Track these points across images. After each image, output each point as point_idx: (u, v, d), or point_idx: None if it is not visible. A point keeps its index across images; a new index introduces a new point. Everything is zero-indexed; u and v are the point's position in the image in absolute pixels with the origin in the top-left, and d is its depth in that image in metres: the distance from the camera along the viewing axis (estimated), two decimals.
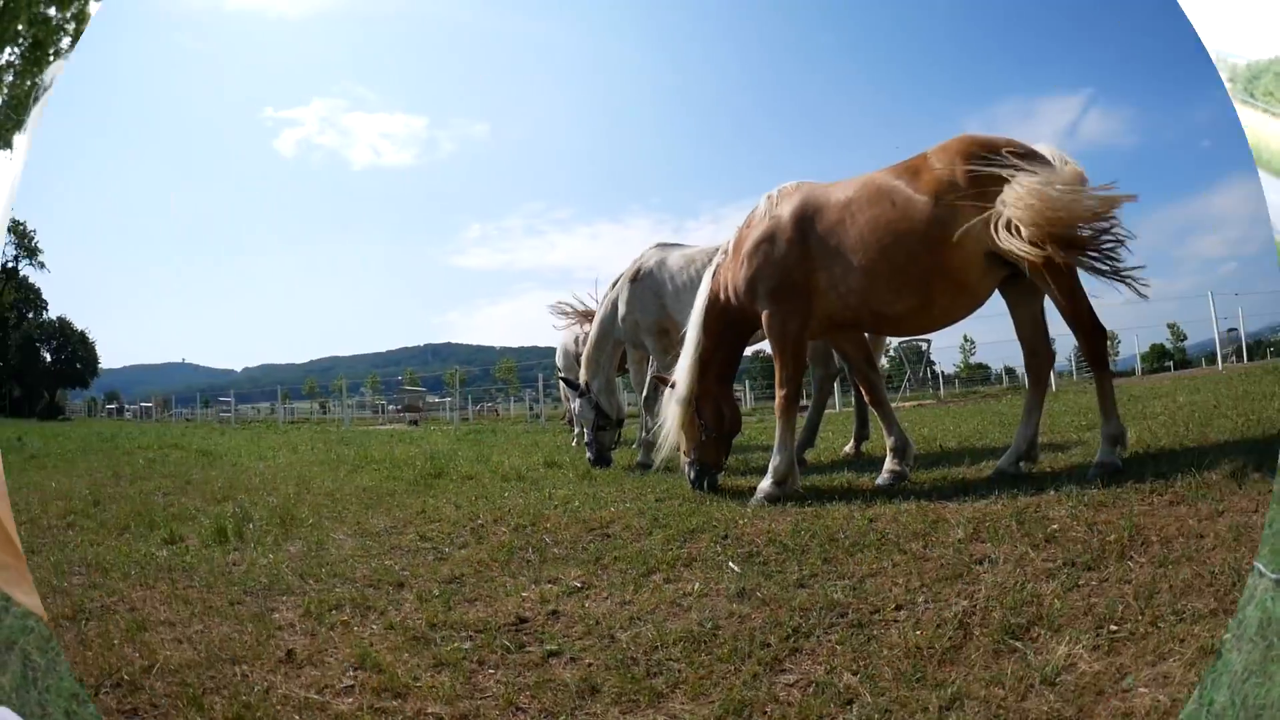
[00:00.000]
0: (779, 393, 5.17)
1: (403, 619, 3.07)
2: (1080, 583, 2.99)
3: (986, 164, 4.53)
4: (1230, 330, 30.06)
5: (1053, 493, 4.08)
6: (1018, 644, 2.56)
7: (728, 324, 5.33)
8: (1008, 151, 4.60)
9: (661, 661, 2.59)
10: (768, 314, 5.11)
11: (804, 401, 6.63)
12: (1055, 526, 3.60)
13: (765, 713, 2.30)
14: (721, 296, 5.30)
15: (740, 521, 4.21)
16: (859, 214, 4.89)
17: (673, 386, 5.42)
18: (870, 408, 6.01)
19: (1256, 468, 4.32)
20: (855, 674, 2.45)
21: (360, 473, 7.38)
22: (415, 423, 26.21)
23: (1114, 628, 2.62)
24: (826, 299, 4.99)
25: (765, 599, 3.03)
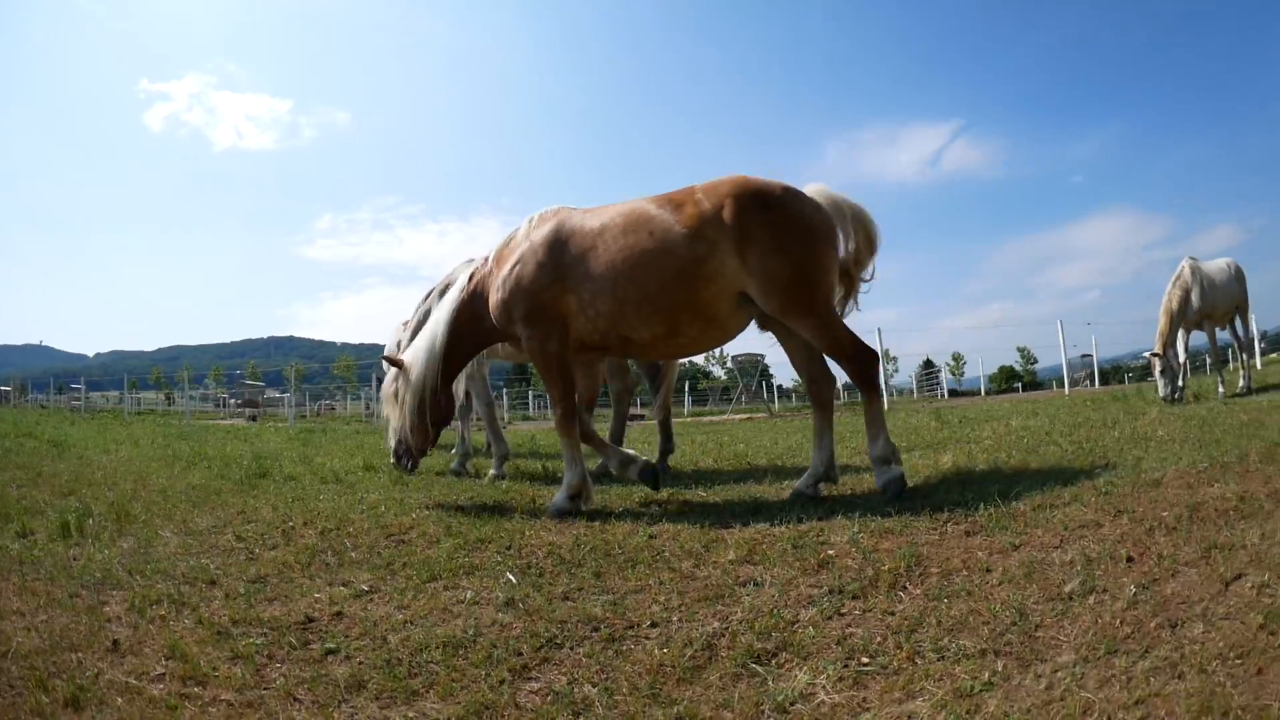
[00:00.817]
0: (555, 411, 5.28)
1: (211, 614, 3.14)
2: (842, 611, 2.95)
3: (757, 209, 4.70)
4: (1084, 355, 29.97)
5: (839, 517, 4.13)
6: (759, 669, 2.50)
7: (472, 330, 5.46)
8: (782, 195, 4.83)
9: (422, 663, 2.60)
10: (525, 337, 5.22)
11: (644, 410, 6.79)
12: (831, 552, 3.61)
13: (504, 715, 2.27)
14: (473, 304, 5.44)
15: (527, 533, 4.32)
16: (614, 240, 4.95)
17: (400, 368, 5.70)
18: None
19: (1072, 499, 4.45)
20: (595, 686, 2.40)
21: (192, 470, 7.62)
22: (254, 419, 25.99)
23: (865, 660, 2.56)
24: (578, 321, 5.07)
25: (529, 609, 3.01)
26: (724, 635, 2.76)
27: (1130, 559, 3.46)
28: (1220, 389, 11.76)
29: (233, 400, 37.86)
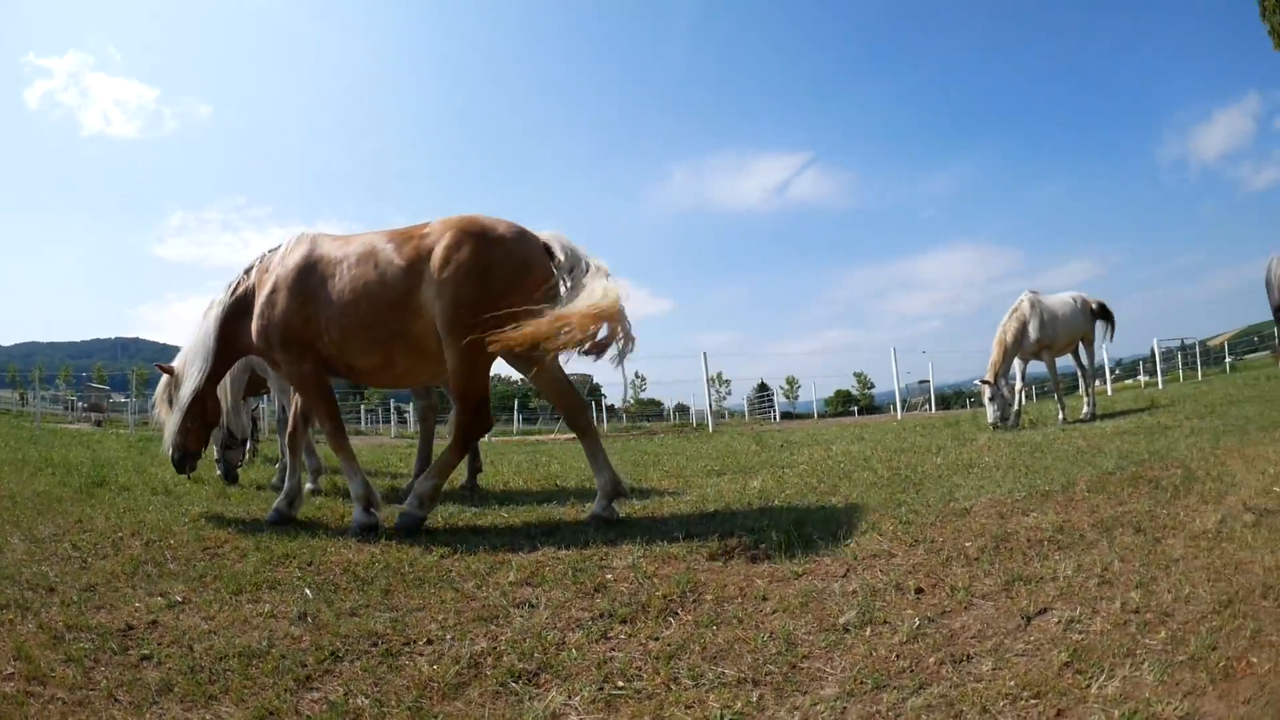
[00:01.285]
0: (324, 429, 5.45)
1: (49, 619, 3.26)
2: (608, 635, 3.02)
3: (460, 247, 4.81)
4: (921, 381, 29.93)
5: (625, 543, 4.24)
6: (518, 688, 2.57)
7: (235, 339, 5.52)
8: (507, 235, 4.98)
9: (221, 671, 2.70)
10: (283, 362, 5.31)
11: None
12: (610, 576, 3.71)
13: None
14: (235, 311, 5.50)
15: (329, 550, 4.38)
16: (348, 271, 5.09)
17: (172, 375, 5.97)
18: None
19: (869, 528, 4.57)
20: (368, 698, 2.48)
21: (39, 476, 7.73)
22: (99, 423, 25.88)
23: (620, 684, 2.61)
24: (319, 346, 5.17)
25: (319, 623, 3.10)
26: (490, 654, 2.82)
27: (920, 590, 3.50)
28: (1060, 415, 12.05)
29: (80, 403, 37.63)
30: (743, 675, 2.68)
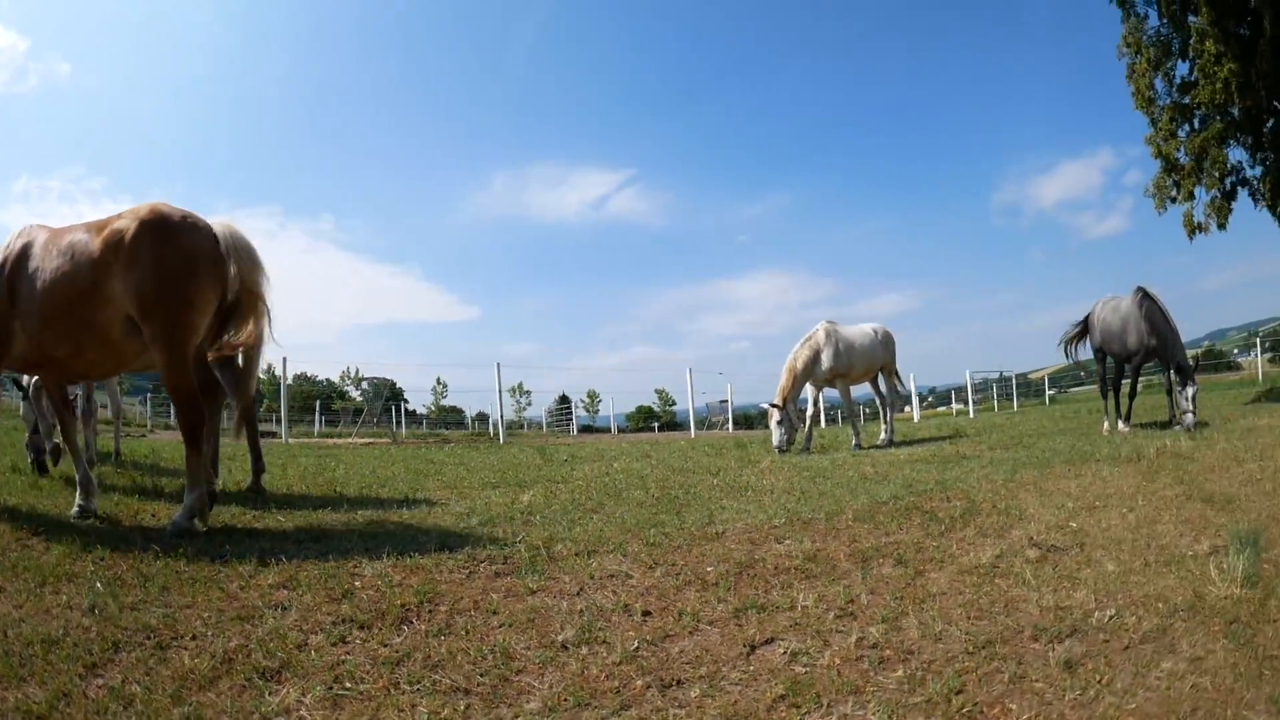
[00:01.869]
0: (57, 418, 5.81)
1: None
2: (346, 639, 3.29)
3: (147, 235, 4.93)
4: (722, 401, 30.68)
5: (382, 552, 4.43)
6: (261, 683, 2.86)
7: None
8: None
9: (28, 655, 2.98)
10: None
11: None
12: (358, 583, 3.96)
13: (77, 704, 2.65)
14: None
15: (120, 546, 4.49)
16: (49, 262, 5.16)
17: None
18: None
19: (615, 548, 4.76)
20: (140, 685, 2.78)
21: None
22: None
23: (348, 685, 2.88)
24: (21, 339, 5.25)
25: (105, 615, 3.38)
26: (242, 651, 3.09)
27: (647, 613, 3.69)
28: (855, 441, 12.32)
29: None
30: (456, 685, 2.91)
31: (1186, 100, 17.57)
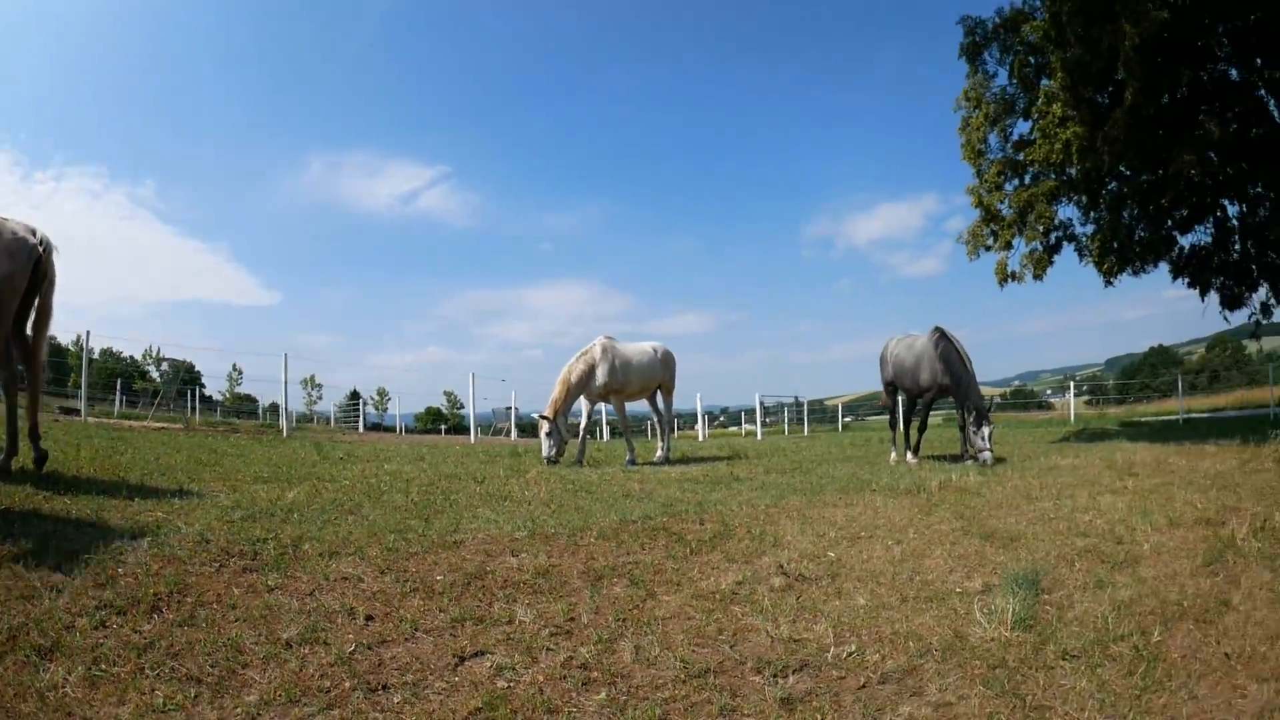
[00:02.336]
0: None
1: None
2: (106, 623, 3.55)
3: None
4: (508, 408, 32.52)
5: (145, 542, 4.62)
6: (39, 661, 3.15)
7: None
8: None
9: None
10: None
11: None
12: (121, 570, 4.13)
13: None
14: None
15: None
16: None
17: None
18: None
19: (355, 550, 4.88)
20: None
21: None
22: None
23: (104, 668, 3.15)
24: None
25: None
26: (23, 629, 3.33)
27: (370, 618, 3.83)
28: (629, 456, 12.56)
29: None
30: (191, 673, 3.11)
31: (1020, 157, 18.02)
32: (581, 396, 12.67)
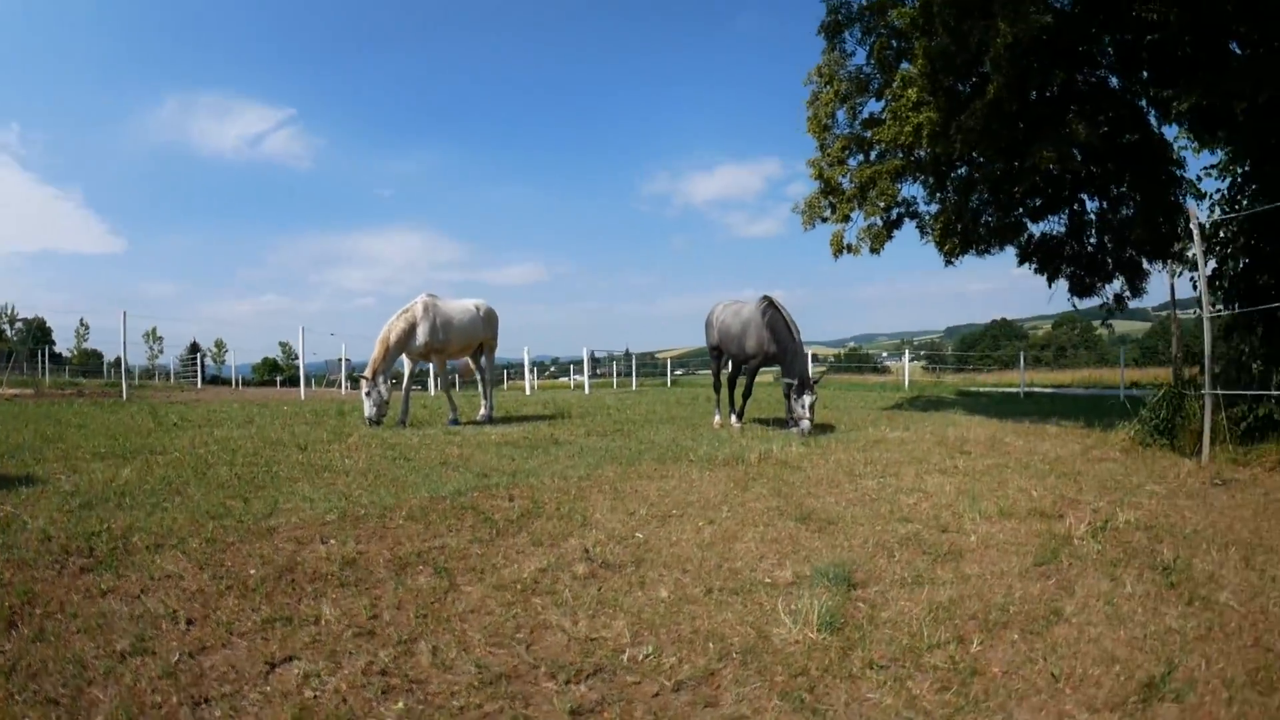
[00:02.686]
0: None
1: None
2: None
3: None
4: (339, 359, 33.56)
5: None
6: None
7: None
8: None
9: None
10: None
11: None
12: None
13: None
14: None
15: None
16: None
17: None
18: None
19: (179, 543, 4.73)
20: None
21: None
22: None
23: None
24: None
25: None
26: None
27: (191, 621, 3.66)
28: (451, 415, 13.20)
29: None
30: (49, 695, 2.96)
31: (868, 134, 17.93)
32: (403, 355, 12.81)
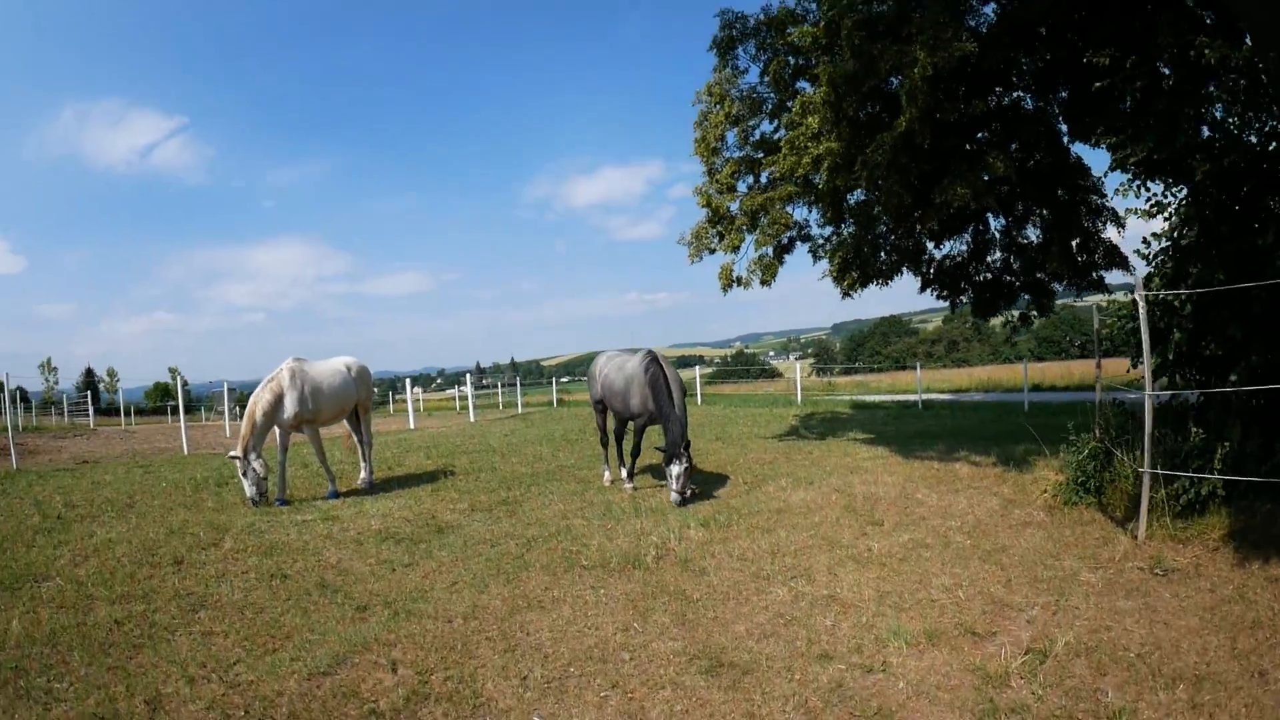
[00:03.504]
0: None
1: None
2: None
3: None
4: (231, 387, 33.21)
5: None
6: None
7: None
8: None
9: None
10: None
11: None
12: None
13: None
14: None
15: None
16: None
17: None
18: None
19: None
20: None
21: None
22: None
23: None
24: None
25: None
26: None
27: None
28: (330, 487, 12.16)
29: None
30: None
31: (760, 156, 16.92)
32: (275, 428, 11.74)
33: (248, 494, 11.12)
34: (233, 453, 11.29)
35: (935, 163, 13.14)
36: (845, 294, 17.06)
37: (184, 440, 21.00)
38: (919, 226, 15.17)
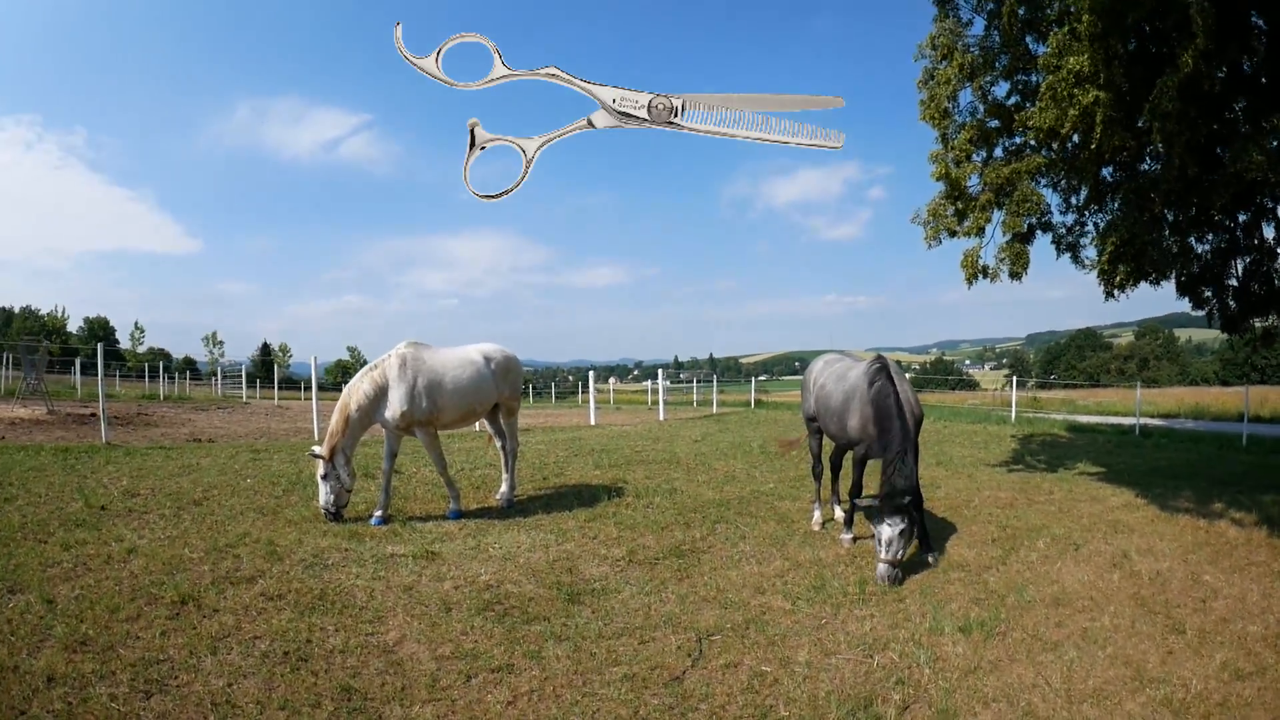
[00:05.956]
0: None
1: None
2: None
3: None
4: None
5: None
6: None
7: None
8: None
9: None
10: None
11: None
12: None
13: None
14: None
15: None
16: None
17: None
18: None
19: None
20: None
21: None
22: None
23: None
24: None
25: None
26: None
27: None
28: (452, 504, 9.25)
29: None
30: None
31: (995, 123, 13.46)
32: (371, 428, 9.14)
33: (321, 501, 8.55)
34: (316, 449, 8.69)
35: (1220, 121, 10.29)
36: (1109, 294, 13.16)
37: (314, 423, 18.00)
38: (1196, 206, 11.89)
